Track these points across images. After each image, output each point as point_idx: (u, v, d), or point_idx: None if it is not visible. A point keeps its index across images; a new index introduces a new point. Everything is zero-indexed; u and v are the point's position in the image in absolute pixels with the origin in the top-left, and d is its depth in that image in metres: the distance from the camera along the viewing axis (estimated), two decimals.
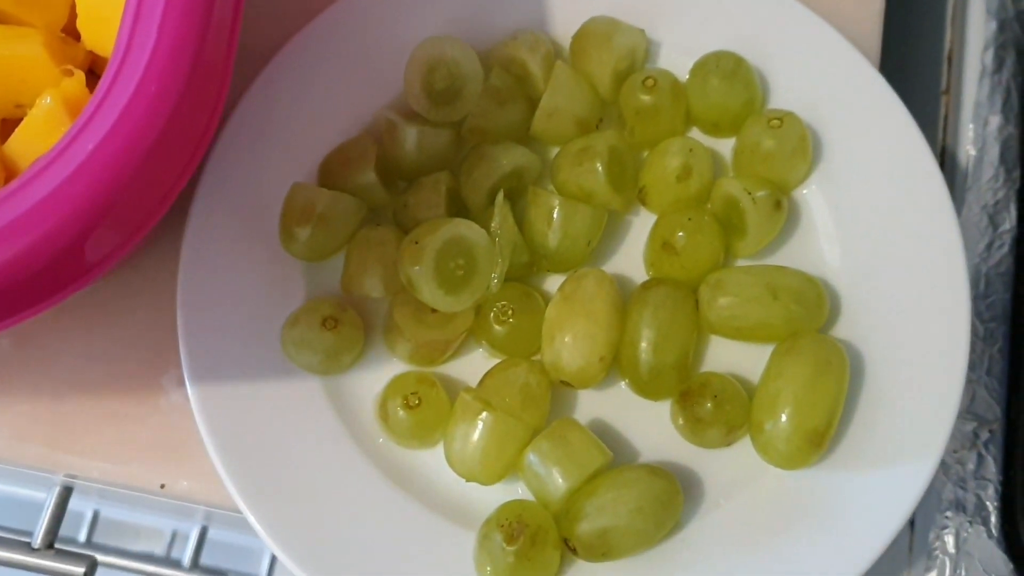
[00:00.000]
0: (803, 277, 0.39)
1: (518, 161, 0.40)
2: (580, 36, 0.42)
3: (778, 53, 0.42)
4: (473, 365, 0.40)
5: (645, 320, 0.38)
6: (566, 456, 0.36)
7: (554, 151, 0.42)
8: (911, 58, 0.57)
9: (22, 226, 0.25)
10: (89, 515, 0.83)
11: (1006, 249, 0.50)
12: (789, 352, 0.38)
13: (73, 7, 0.36)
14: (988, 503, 0.46)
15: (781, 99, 0.42)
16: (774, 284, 0.38)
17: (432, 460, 0.39)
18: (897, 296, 0.40)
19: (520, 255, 0.39)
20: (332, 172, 0.40)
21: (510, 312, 0.39)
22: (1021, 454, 0.47)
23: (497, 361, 0.39)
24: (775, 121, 0.40)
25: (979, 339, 0.49)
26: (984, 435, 0.47)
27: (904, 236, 0.40)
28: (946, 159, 0.53)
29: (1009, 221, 0.50)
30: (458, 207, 0.40)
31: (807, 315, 0.39)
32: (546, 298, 0.40)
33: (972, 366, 0.48)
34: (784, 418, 0.36)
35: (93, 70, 0.37)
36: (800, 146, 0.40)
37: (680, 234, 0.39)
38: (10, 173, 0.33)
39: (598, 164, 0.39)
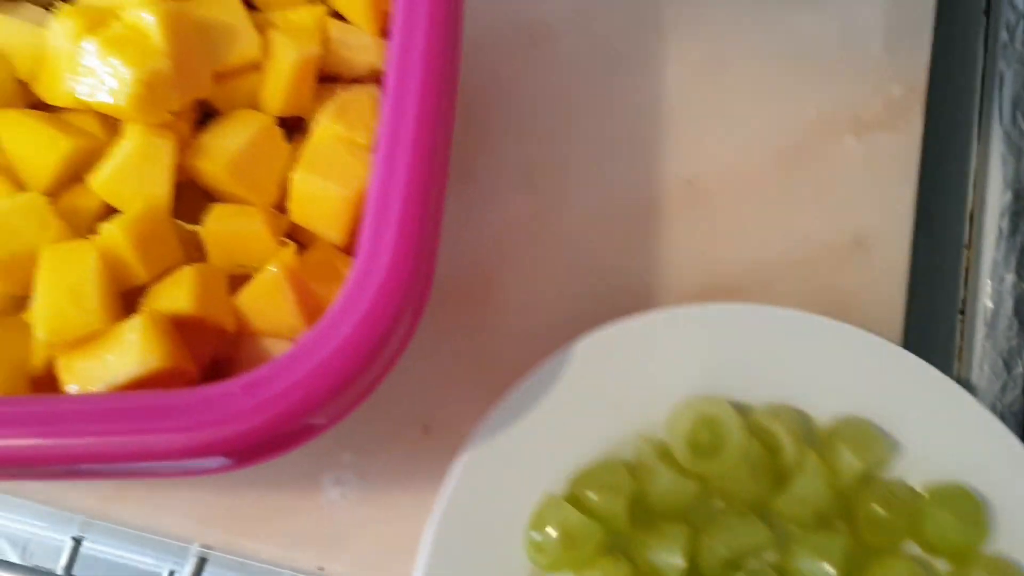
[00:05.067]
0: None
1: (758, 540, 0.42)
2: (833, 436, 0.45)
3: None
4: None
5: None
6: None
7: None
8: (939, 213, 0.64)
9: (283, 394, 0.33)
10: None
11: (1019, 390, 0.56)
12: None
13: (282, 189, 0.42)
14: None
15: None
16: None
17: None
18: None
19: None
20: (582, 491, 0.43)
21: None
22: None
23: None
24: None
25: None
26: None
27: None
28: (966, 308, 0.60)
29: (1021, 366, 0.56)
30: (690, 565, 0.42)
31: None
32: None
33: None
34: None
35: (291, 236, 0.43)
36: None
37: None
38: (240, 322, 0.40)
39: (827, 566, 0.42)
